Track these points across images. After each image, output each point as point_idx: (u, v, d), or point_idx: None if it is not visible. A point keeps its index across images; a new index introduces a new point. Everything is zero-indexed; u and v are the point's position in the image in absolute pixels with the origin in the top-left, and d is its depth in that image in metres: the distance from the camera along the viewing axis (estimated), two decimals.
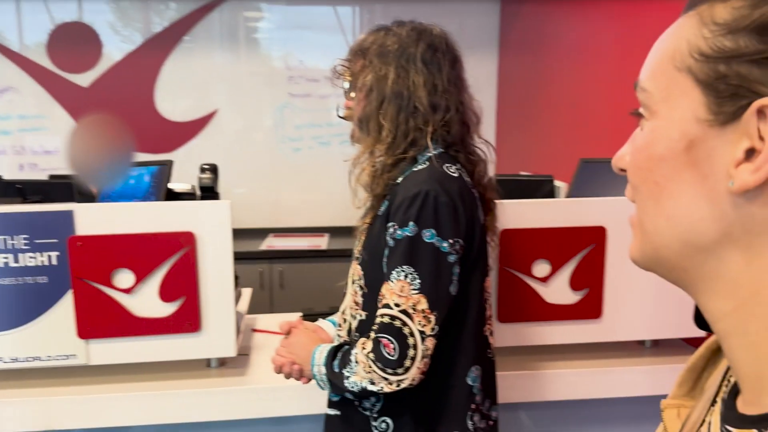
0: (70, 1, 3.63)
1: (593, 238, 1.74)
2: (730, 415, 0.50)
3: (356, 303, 1.34)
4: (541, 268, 1.75)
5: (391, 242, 1.23)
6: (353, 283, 1.36)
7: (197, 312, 1.62)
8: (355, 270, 1.35)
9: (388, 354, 1.17)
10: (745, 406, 0.49)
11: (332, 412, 1.38)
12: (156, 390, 1.66)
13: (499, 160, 3.98)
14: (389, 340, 1.18)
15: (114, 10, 3.70)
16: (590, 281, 1.76)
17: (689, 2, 0.51)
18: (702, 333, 0.59)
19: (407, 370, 1.18)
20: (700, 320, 0.53)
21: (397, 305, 1.18)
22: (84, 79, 3.65)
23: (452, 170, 1.26)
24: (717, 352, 0.61)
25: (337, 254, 3.43)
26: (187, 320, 1.62)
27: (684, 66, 0.48)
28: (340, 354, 1.27)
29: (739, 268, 0.47)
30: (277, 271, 3.44)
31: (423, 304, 1.18)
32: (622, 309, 1.79)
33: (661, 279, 0.55)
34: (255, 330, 2.08)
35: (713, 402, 0.56)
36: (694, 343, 1.88)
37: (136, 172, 1.74)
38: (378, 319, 1.20)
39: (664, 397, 0.63)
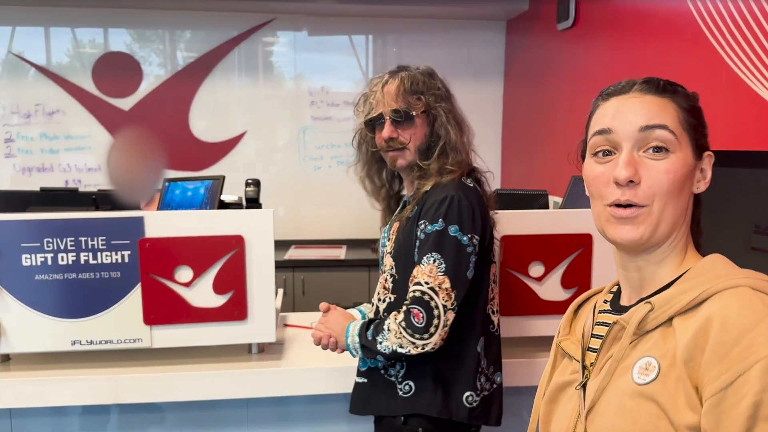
0: (114, 33, 3.99)
1: (581, 243, 2.02)
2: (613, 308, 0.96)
3: (386, 288, 1.63)
4: (536, 269, 2.03)
5: (422, 235, 1.53)
6: (384, 272, 1.65)
7: (244, 303, 1.91)
8: (388, 262, 1.64)
9: (417, 322, 1.47)
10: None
11: (360, 380, 1.67)
12: (207, 371, 1.94)
13: (504, 175, 4.29)
14: (419, 310, 1.47)
15: (154, 39, 4.04)
16: (579, 281, 2.04)
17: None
18: None
19: (431, 335, 1.47)
20: None
21: (426, 283, 1.48)
22: (125, 104, 4.00)
23: (469, 182, 1.58)
24: (576, 310, 1.07)
25: (354, 264, 3.73)
26: (236, 310, 1.91)
27: None
28: (372, 326, 1.56)
29: None
30: (300, 278, 3.74)
31: (446, 284, 1.48)
32: None
33: None
34: (287, 325, 2.37)
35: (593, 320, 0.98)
36: None
37: (192, 185, 2.05)
38: (410, 294, 1.49)
39: None
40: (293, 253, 3.94)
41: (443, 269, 1.48)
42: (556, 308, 2.05)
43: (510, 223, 1.98)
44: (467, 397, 1.57)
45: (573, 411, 0.92)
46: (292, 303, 3.71)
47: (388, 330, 1.51)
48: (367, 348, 1.55)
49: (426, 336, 1.47)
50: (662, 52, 2.47)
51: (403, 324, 1.49)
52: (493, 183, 1.75)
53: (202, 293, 1.89)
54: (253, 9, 4.00)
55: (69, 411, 2.01)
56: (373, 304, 1.70)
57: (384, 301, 1.64)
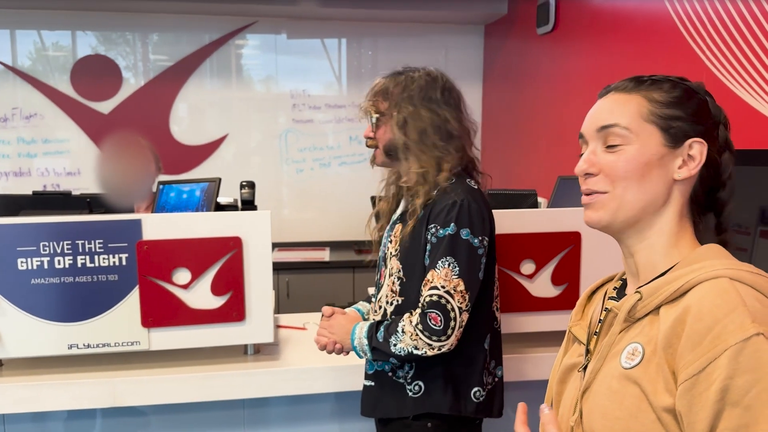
0: (93, 36, 3.95)
1: (571, 241, 2.08)
2: (619, 295, 1.00)
3: (393, 291, 1.65)
4: (527, 267, 2.08)
5: (434, 239, 1.55)
6: (390, 275, 1.67)
7: (242, 304, 1.92)
8: (394, 264, 1.65)
9: (434, 325, 1.49)
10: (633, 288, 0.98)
11: (368, 383, 1.69)
12: (204, 372, 1.94)
13: (484, 179, 4.35)
14: (436, 314, 1.49)
15: (133, 42, 4.02)
16: (568, 277, 2.09)
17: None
18: None
19: (448, 337, 1.50)
20: None
21: (442, 287, 1.50)
22: (105, 107, 3.96)
23: (473, 184, 1.62)
24: (590, 296, 1.10)
25: (339, 265, 3.75)
26: (234, 311, 1.92)
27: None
28: (382, 327, 1.57)
29: None
30: (284, 281, 3.74)
31: (461, 286, 1.51)
32: None
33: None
34: (279, 326, 2.39)
35: (602, 306, 1.03)
36: None
37: (188, 188, 2.05)
38: (427, 298, 1.51)
39: None
40: (277, 256, 3.95)
41: (457, 272, 1.51)
42: (546, 305, 2.10)
43: (502, 222, 2.02)
44: (475, 392, 1.61)
45: (577, 390, 0.98)
46: (278, 305, 3.72)
47: (403, 332, 1.53)
48: (379, 350, 1.57)
49: (443, 338, 1.50)
50: (642, 55, 2.54)
51: (420, 327, 1.50)
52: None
53: (201, 295, 1.90)
54: (233, 12, 4.00)
55: (63, 416, 2.00)
56: (379, 306, 1.71)
57: (392, 304, 1.65)
